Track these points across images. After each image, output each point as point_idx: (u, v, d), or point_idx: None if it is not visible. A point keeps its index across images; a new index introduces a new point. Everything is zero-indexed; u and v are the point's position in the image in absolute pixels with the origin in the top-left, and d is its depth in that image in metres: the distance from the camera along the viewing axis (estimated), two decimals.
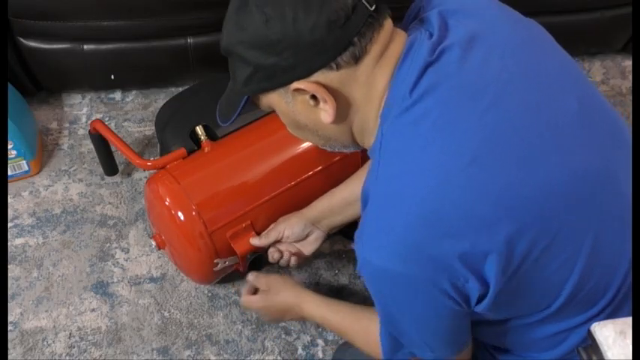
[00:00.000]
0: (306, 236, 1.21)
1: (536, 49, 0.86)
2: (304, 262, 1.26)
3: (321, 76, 0.79)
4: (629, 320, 0.63)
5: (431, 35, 0.81)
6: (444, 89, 0.78)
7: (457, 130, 0.76)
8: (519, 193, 0.76)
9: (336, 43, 0.77)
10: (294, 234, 1.19)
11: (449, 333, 0.86)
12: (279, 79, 0.81)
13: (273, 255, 1.22)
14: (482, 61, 0.80)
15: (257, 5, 0.78)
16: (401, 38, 0.82)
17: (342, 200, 1.18)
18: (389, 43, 0.81)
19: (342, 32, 0.77)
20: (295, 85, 0.80)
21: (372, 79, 0.81)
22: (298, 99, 0.83)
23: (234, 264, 1.24)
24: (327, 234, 1.23)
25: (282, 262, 1.22)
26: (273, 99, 0.85)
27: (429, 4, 0.87)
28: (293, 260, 1.22)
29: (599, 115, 0.86)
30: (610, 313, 0.85)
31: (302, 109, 0.84)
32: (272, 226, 1.22)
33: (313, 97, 0.81)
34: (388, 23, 0.81)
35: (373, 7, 0.78)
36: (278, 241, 1.21)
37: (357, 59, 0.79)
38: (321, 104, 0.81)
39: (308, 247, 1.22)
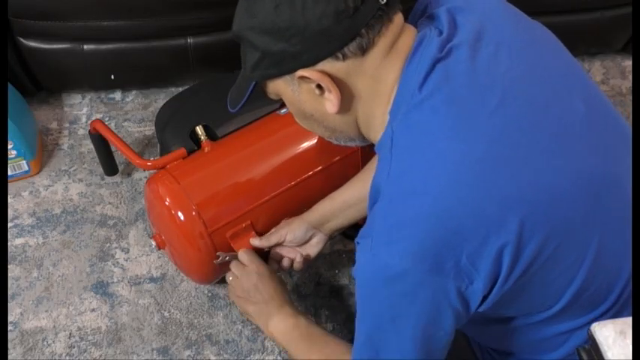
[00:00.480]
0: (309, 240, 1.21)
1: (542, 50, 0.86)
2: (309, 265, 1.26)
3: (327, 65, 0.79)
4: (629, 320, 0.63)
5: (440, 32, 0.81)
6: (453, 88, 0.78)
7: (467, 130, 0.76)
8: (527, 194, 0.76)
9: (344, 33, 0.77)
10: (296, 238, 1.19)
11: (434, 344, 0.84)
12: (286, 65, 0.81)
13: (272, 265, 1.22)
14: (491, 60, 0.80)
15: None
16: (411, 33, 0.82)
17: (343, 203, 1.17)
18: (398, 38, 0.81)
19: (350, 23, 0.77)
20: (301, 72, 0.80)
21: (379, 72, 0.81)
22: (304, 87, 0.83)
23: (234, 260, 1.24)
24: (328, 237, 1.22)
25: (284, 265, 1.22)
26: (280, 86, 0.85)
27: (436, 1, 0.87)
28: (298, 264, 1.21)
29: (605, 118, 0.86)
30: (613, 315, 0.85)
31: (307, 98, 0.84)
32: (274, 229, 1.22)
33: (319, 86, 0.81)
34: (398, 18, 0.81)
35: (384, 1, 0.78)
36: (279, 245, 1.21)
37: (363, 51, 0.79)
38: (326, 94, 0.81)
39: (310, 251, 1.22)
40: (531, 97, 0.80)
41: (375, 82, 0.81)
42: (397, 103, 0.80)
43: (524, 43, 0.84)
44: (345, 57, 0.79)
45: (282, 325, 1.10)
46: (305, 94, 0.84)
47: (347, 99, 0.82)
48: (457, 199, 0.75)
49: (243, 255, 1.18)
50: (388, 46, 0.80)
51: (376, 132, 0.85)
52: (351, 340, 0.90)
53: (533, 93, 0.80)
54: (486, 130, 0.76)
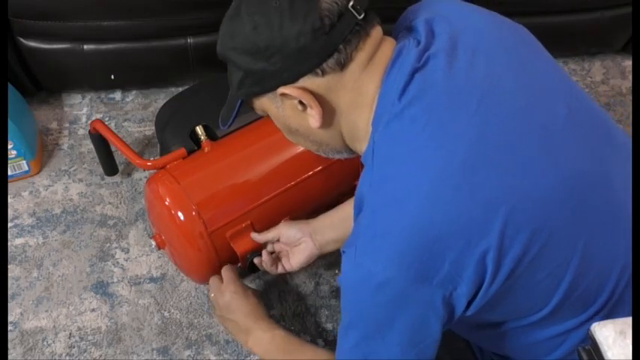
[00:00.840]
0: (298, 244, 1.19)
1: (522, 53, 0.86)
2: (286, 273, 1.24)
3: (307, 81, 0.81)
4: (629, 320, 0.63)
5: (418, 43, 0.82)
6: (432, 95, 0.79)
7: (446, 135, 0.77)
8: (509, 197, 0.76)
9: (321, 50, 0.79)
10: (287, 236, 1.18)
11: (422, 350, 0.83)
12: (267, 83, 0.83)
13: (264, 255, 1.20)
14: (469, 66, 0.81)
15: (248, 13, 0.80)
16: (389, 46, 0.83)
17: (346, 215, 1.14)
18: (376, 51, 0.82)
19: (326, 39, 0.78)
20: (282, 89, 0.82)
21: (359, 84, 0.82)
22: (287, 104, 0.84)
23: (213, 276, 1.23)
24: (318, 250, 1.19)
25: (264, 264, 1.20)
26: (264, 103, 0.87)
27: (415, 13, 0.88)
28: (279, 268, 1.20)
29: (589, 118, 0.86)
30: (606, 314, 0.85)
31: (291, 114, 0.86)
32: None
33: (301, 102, 0.82)
34: (376, 32, 0.83)
35: (362, 16, 0.79)
36: (276, 242, 1.21)
37: (342, 66, 0.80)
38: (308, 110, 0.83)
39: (295, 257, 1.19)
40: (512, 100, 0.80)
41: (355, 95, 0.82)
42: (378, 114, 0.81)
43: (503, 48, 0.85)
44: (324, 73, 0.80)
45: (259, 340, 1.11)
46: (289, 110, 0.85)
47: (329, 113, 0.84)
48: (439, 206, 0.75)
49: (224, 271, 1.19)
50: (366, 60, 0.81)
51: (361, 144, 0.86)
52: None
53: (514, 97, 0.81)
54: (466, 134, 0.77)
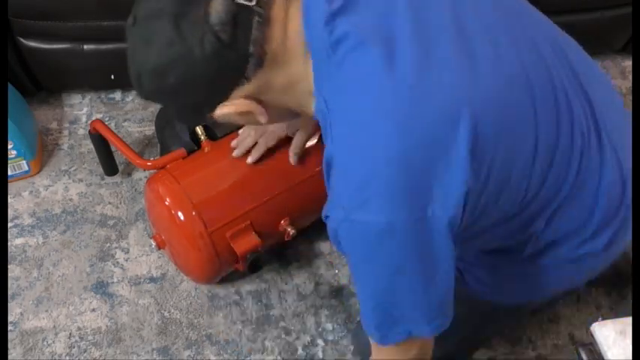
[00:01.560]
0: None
1: None
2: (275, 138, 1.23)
3: (238, 92, 0.80)
4: (629, 320, 0.63)
5: None
6: (359, 26, 0.77)
7: (389, 62, 0.76)
8: (468, 96, 0.76)
9: (235, 64, 0.78)
10: (270, 128, 1.20)
11: (442, 291, 0.82)
12: (204, 111, 0.83)
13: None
14: None
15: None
16: (295, 10, 0.80)
17: None
18: (286, 25, 0.79)
19: (234, 53, 0.77)
20: (217, 112, 0.82)
21: (286, 66, 0.81)
22: (232, 114, 0.84)
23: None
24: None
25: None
26: (216, 116, 0.86)
27: None
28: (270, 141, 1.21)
29: (519, 16, 0.90)
30: (614, 231, 0.90)
31: (241, 119, 0.85)
32: None
33: None
34: (274, 10, 0.78)
35: (253, 2, 0.76)
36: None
37: (261, 64, 0.78)
38: (252, 113, 0.83)
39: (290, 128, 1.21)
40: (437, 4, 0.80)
41: (287, 75, 0.81)
42: (318, 75, 0.80)
43: None
44: (248, 79, 0.79)
45: None
46: (237, 117, 0.85)
47: (272, 105, 0.84)
48: (408, 134, 0.74)
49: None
50: (281, 42, 0.79)
51: (310, 106, 0.84)
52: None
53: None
54: (407, 52, 0.76)
